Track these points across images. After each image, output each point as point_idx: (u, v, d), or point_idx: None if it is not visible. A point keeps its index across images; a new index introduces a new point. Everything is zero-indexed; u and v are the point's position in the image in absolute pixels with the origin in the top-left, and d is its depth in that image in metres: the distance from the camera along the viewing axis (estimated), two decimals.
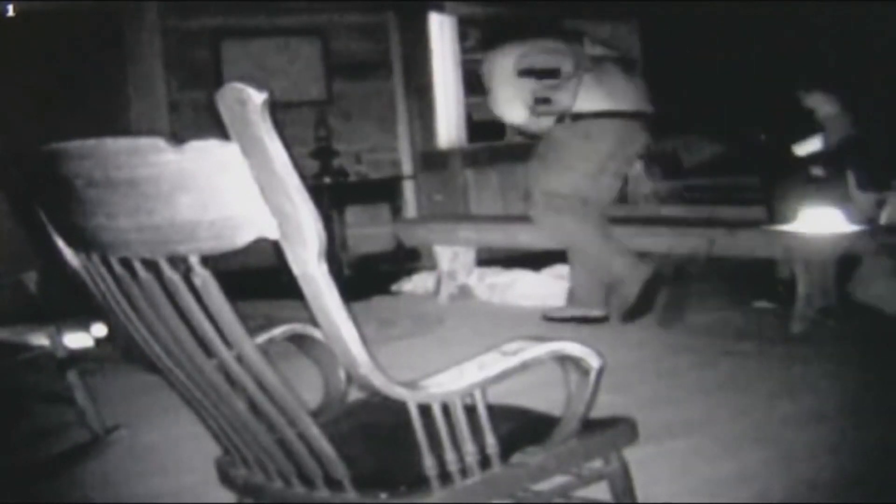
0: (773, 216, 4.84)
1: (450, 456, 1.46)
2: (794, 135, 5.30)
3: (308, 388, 1.67)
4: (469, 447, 1.47)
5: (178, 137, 1.27)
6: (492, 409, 1.50)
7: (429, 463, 1.46)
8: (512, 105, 4.68)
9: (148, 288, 1.39)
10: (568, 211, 4.66)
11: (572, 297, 4.88)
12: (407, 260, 6.50)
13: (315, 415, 1.56)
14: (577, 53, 4.73)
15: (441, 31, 7.44)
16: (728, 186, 6.69)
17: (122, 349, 1.62)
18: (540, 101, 4.63)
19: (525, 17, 7.78)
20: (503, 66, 4.67)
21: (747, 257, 4.75)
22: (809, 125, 5.25)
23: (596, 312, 4.74)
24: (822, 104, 5.21)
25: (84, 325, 3.16)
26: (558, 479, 1.62)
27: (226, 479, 1.66)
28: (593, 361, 1.54)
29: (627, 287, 4.60)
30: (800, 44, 6.67)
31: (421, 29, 7.42)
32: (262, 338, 1.77)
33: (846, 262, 4.41)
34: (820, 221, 4.47)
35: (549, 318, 4.84)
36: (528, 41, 4.77)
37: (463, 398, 1.47)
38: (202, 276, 1.33)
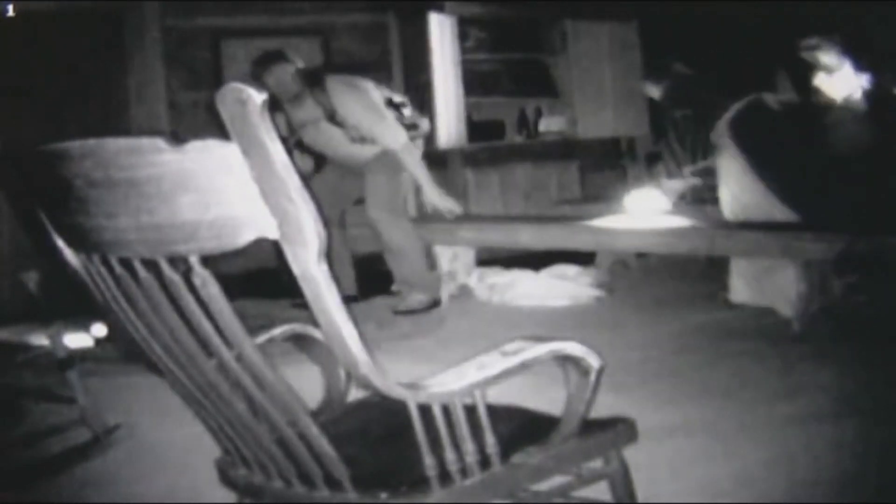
0: None
1: (450, 456, 1.47)
2: None
3: (308, 388, 1.68)
4: (469, 447, 1.47)
5: (178, 137, 1.28)
6: (492, 409, 1.50)
7: (429, 463, 1.46)
8: (397, 129, 5.13)
9: (148, 288, 1.39)
10: (403, 214, 5.44)
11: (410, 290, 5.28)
12: None
13: (315, 415, 1.56)
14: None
15: (441, 31, 7.43)
16: None
17: (123, 349, 1.62)
18: (408, 127, 5.24)
19: (525, 17, 7.81)
20: (376, 96, 5.14)
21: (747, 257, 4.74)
22: None
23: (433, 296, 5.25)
24: (650, 89, 5.75)
25: (84, 325, 3.16)
26: (558, 479, 1.62)
27: (226, 479, 1.66)
28: (593, 361, 1.54)
29: (420, 293, 5.20)
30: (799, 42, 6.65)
31: (421, 29, 7.42)
32: (262, 338, 1.77)
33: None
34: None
35: (398, 312, 5.19)
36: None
37: (463, 398, 1.47)
38: (202, 276, 1.33)
